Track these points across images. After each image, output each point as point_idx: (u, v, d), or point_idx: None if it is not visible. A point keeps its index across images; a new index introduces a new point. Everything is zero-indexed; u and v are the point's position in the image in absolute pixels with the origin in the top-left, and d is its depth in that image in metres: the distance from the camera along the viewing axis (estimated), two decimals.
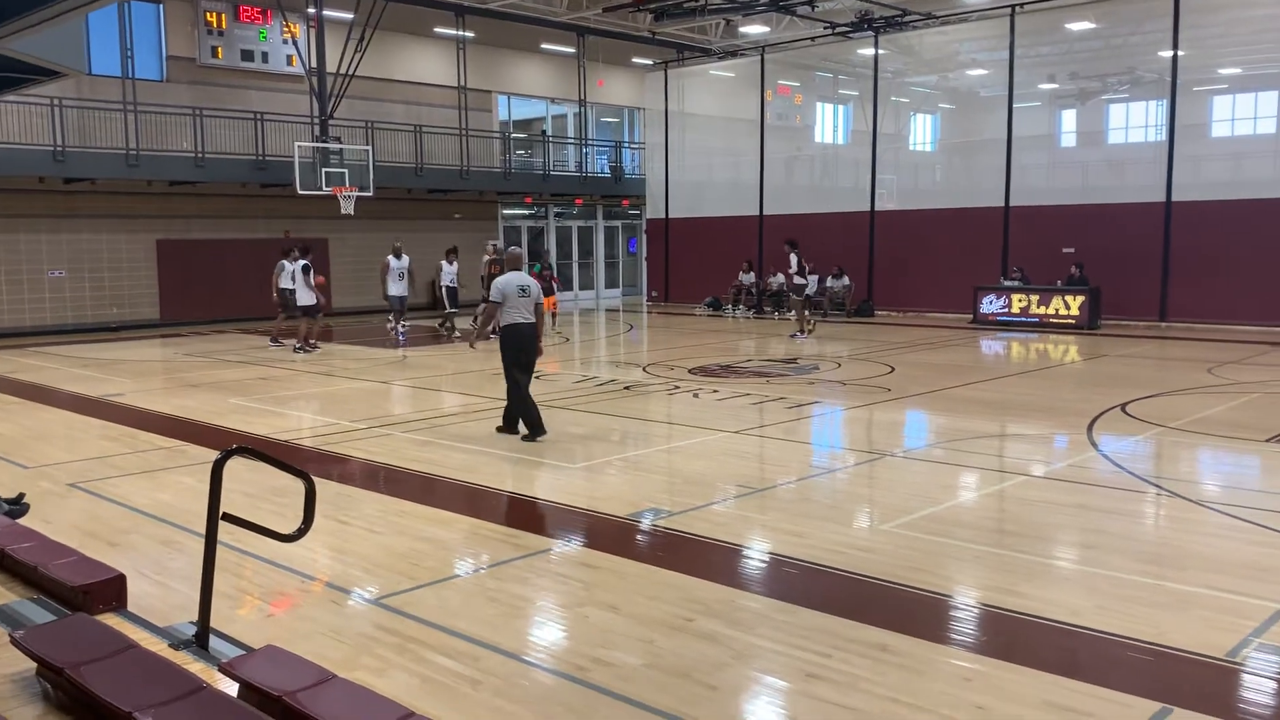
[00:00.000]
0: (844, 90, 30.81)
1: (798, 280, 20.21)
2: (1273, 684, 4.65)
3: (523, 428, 10.27)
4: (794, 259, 19.85)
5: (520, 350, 10.14)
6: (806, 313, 21.13)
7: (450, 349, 19.03)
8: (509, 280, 10.12)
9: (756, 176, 28.30)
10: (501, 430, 10.44)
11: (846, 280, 25.45)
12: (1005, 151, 23.65)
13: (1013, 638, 5.22)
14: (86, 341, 21.00)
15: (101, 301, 23.55)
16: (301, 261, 18.23)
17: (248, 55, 25.38)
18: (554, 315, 20.38)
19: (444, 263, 20.80)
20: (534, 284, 10.26)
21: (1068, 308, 21.46)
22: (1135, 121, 26.44)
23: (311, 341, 18.49)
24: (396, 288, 20.24)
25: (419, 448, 10.04)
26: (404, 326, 20.71)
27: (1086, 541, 6.82)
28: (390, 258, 20.19)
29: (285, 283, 18.86)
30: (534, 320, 10.19)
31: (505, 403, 10.45)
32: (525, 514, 7.91)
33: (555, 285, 23.58)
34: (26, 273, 22.53)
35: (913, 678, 4.66)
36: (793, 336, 20.35)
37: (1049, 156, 26.09)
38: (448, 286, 20.83)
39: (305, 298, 18.22)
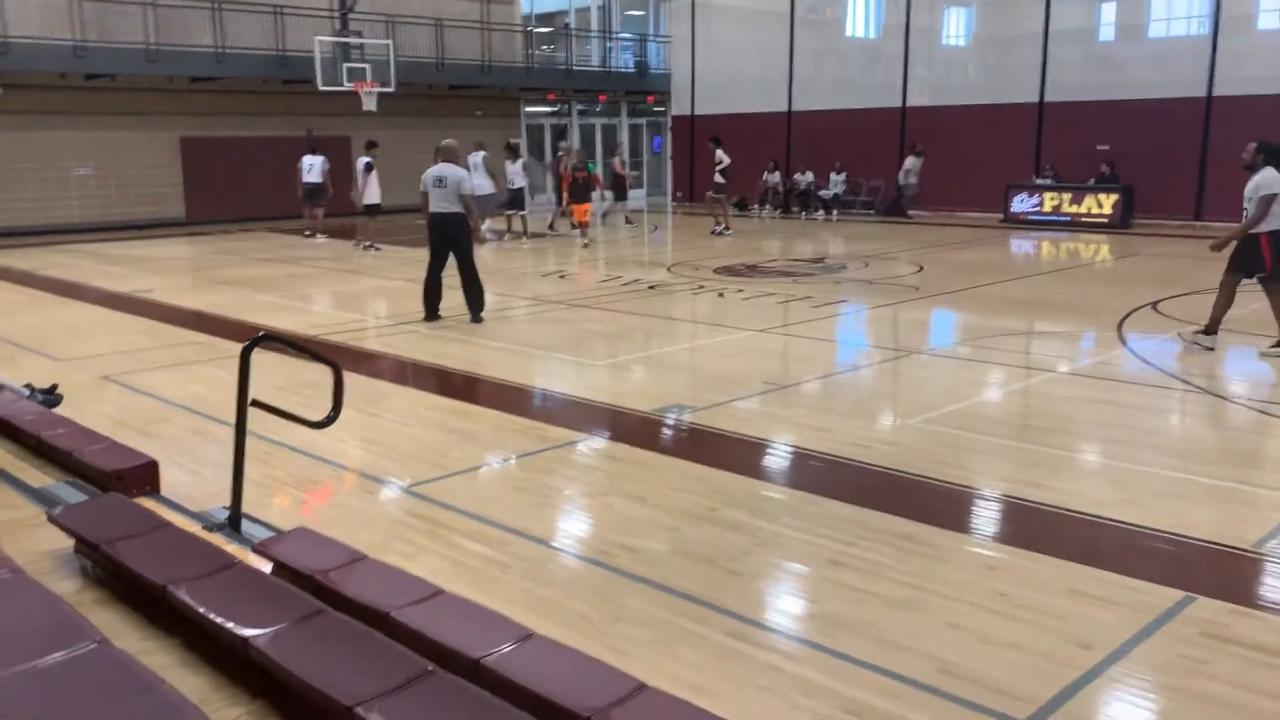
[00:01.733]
0: None
1: (718, 179, 20.72)
2: None
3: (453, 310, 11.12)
4: (719, 154, 20.57)
5: (434, 235, 10.91)
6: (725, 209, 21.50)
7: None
8: (428, 172, 10.87)
9: (785, 71, 27.65)
10: (426, 319, 11.08)
11: (810, 175, 25.58)
12: (1041, 46, 22.95)
13: (1036, 528, 5.24)
14: (114, 239, 21.07)
15: (127, 199, 23.54)
16: (365, 159, 18.35)
17: None
18: (580, 225, 18.93)
19: (508, 162, 20.05)
20: (450, 175, 10.72)
21: (1100, 206, 21.08)
22: (1177, 13, 25.50)
23: (370, 242, 18.31)
24: (481, 185, 20.09)
25: (446, 344, 10.08)
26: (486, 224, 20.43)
27: (1113, 436, 6.79)
28: (469, 155, 20.16)
29: (308, 177, 19.75)
30: (452, 209, 10.73)
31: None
32: (551, 408, 7.96)
33: (598, 186, 22.79)
34: (53, 171, 22.50)
35: (936, 565, 4.70)
36: (713, 231, 20.65)
37: (1086, 51, 25.28)
38: (517, 188, 20.06)
39: (371, 195, 18.35)
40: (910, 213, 23.96)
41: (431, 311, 11.12)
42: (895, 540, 4.99)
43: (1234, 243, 9.14)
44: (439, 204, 10.77)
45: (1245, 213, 8.95)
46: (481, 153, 19.83)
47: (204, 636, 3.35)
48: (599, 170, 26.47)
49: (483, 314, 11.13)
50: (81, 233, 22.12)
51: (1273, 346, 9.04)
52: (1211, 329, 9.26)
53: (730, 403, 7.69)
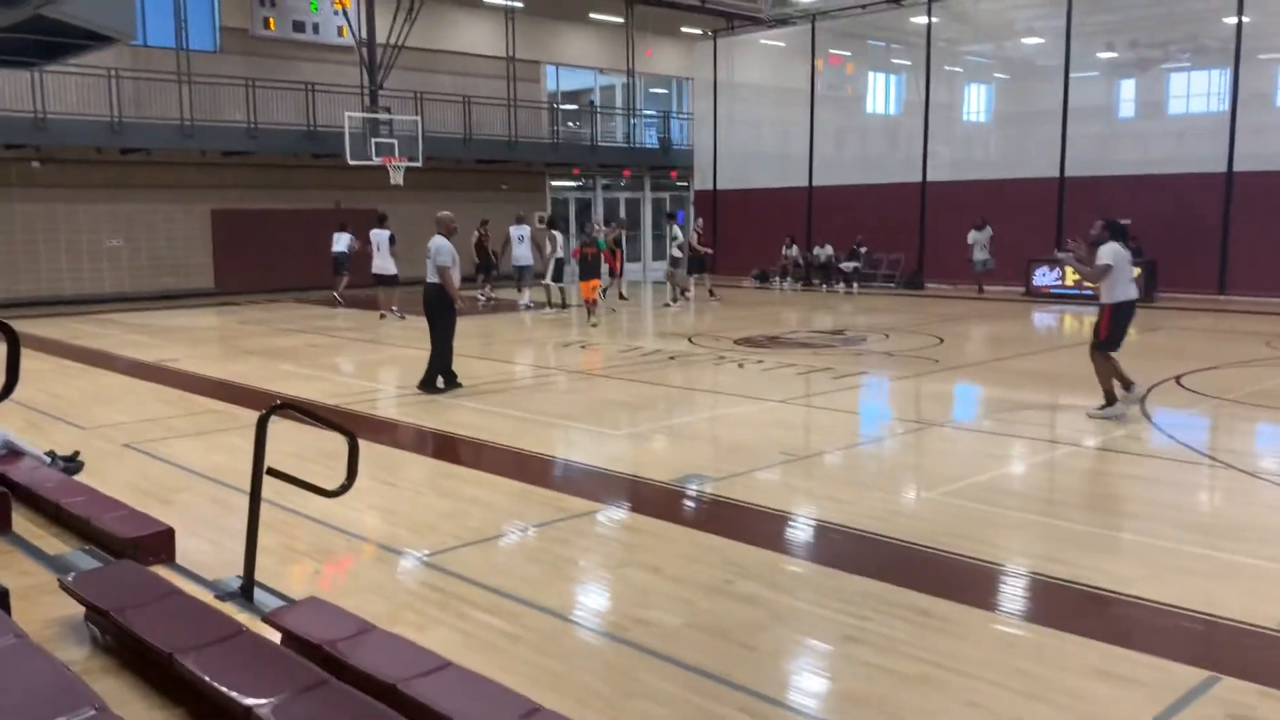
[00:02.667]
0: (896, 60, 30.29)
1: (674, 252, 21.35)
2: None
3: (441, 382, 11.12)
4: (675, 230, 21.38)
5: (425, 307, 11.07)
6: (688, 283, 22.02)
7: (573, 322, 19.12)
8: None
9: (806, 147, 27.99)
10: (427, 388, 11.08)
11: (830, 249, 25.60)
12: (1061, 122, 23.14)
13: (1058, 605, 5.15)
14: (143, 309, 21.39)
15: (158, 270, 23.96)
16: (388, 232, 19.12)
17: (299, 26, 25.59)
18: (588, 303, 18.08)
19: (555, 232, 20.66)
20: (433, 246, 10.85)
21: None
22: (1197, 90, 25.69)
23: (395, 309, 18.86)
24: (519, 255, 20.54)
25: (466, 414, 10.11)
26: (526, 296, 20.73)
27: (1137, 511, 6.70)
28: (511, 226, 20.81)
29: (338, 247, 20.74)
30: (431, 280, 10.88)
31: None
32: (569, 478, 7.94)
33: (608, 263, 21.92)
34: (86, 242, 22.96)
35: (954, 642, 4.62)
36: (665, 304, 21.23)
37: (1106, 127, 25.48)
38: (559, 258, 20.69)
39: (389, 266, 18.99)
40: (984, 288, 23.35)
41: (448, 379, 11.13)
42: (913, 615, 4.90)
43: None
44: (429, 275, 10.91)
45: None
46: (526, 226, 20.34)
47: (208, 705, 3.32)
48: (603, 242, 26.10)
49: (438, 388, 10.99)
50: (112, 302, 22.48)
51: (1099, 409, 9.36)
52: (1111, 399, 9.38)
53: (749, 473, 7.65)
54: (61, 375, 12.85)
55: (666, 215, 21.88)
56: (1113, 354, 9.33)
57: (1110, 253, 9.17)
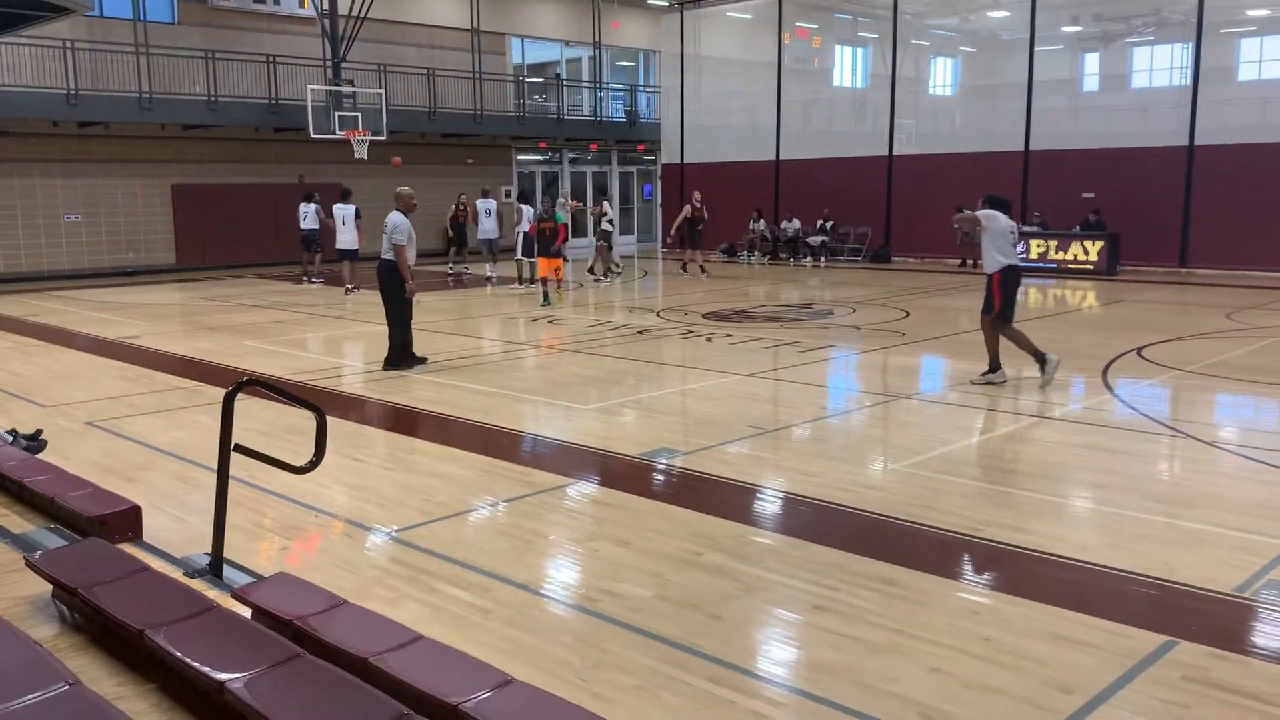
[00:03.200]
0: (863, 33, 30.32)
1: (605, 226, 21.35)
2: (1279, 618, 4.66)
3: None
4: (605, 206, 21.55)
5: (379, 283, 10.92)
6: (611, 258, 22.08)
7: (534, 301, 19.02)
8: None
9: (773, 121, 27.98)
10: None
11: (797, 223, 25.80)
12: (1026, 96, 23.28)
13: (1020, 573, 5.24)
14: (103, 286, 21.10)
15: (117, 246, 23.59)
16: (353, 207, 19.06)
17: None
18: (542, 280, 17.05)
19: (524, 205, 20.25)
20: (389, 222, 10.68)
21: (1086, 253, 21.27)
22: (1160, 64, 25.95)
23: (351, 284, 18.95)
24: (486, 229, 20.45)
25: (435, 389, 10.08)
26: (491, 269, 20.62)
27: (1098, 481, 6.81)
28: (478, 200, 20.73)
29: (305, 224, 20.52)
30: (385, 256, 10.74)
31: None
32: (538, 453, 7.95)
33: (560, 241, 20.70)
34: (43, 217, 22.56)
35: (919, 610, 4.69)
36: (595, 280, 21.07)
37: (1071, 100, 25.67)
38: (527, 232, 19.98)
39: (352, 241, 18.98)
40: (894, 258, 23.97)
41: (407, 357, 11.06)
42: (879, 585, 4.98)
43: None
44: (384, 250, 10.81)
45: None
46: (492, 200, 20.18)
47: (180, 681, 3.32)
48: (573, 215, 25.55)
49: (394, 368, 10.88)
50: (72, 279, 22.14)
51: (983, 375, 9.91)
52: (995, 365, 9.93)
53: (717, 447, 7.70)
54: (21, 354, 12.67)
55: (598, 190, 21.83)
56: (1016, 327, 9.92)
57: (987, 214, 9.79)
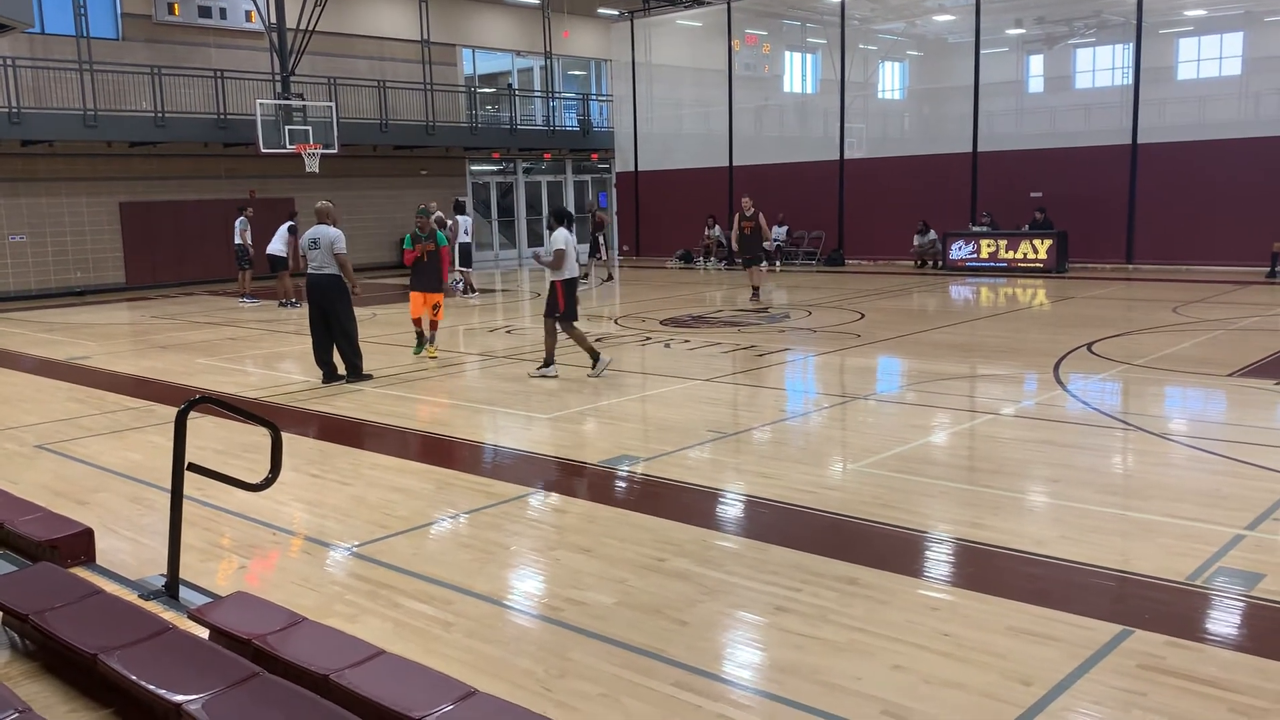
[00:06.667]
0: (812, 39, 30.58)
1: (464, 238, 20.84)
2: (1230, 605, 4.75)
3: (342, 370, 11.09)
4: (461, 220, 20.96)
5: (310, 297, 10.93)
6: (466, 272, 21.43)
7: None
8: (304, 235, 11.03)
9: (725, 128, 28.13)
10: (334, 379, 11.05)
11: (717, 231, 25.97)
12: (973, 98, 23.61)
13: (979, 568, 5.30)
14: (51, 307, 20.72)
15: (65, 266, 23.19)
16: (289, 223, 18.96)
17: (205, 11, 24.85)
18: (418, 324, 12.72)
19: (461, 216, 20.15)
20: (323, 236, 10.66)
21: (1035, 252, 21.58)
22: (1102, 65, 26.41)
23: (291, 299, 18.93)
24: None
25: (392, 402, 10.01)
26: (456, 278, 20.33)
27: (1052, 475, 6.91)
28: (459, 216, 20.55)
29: (237, 239, 20.22)
30: (326, 270, 10.73)
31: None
32: (497, 463, 7.92)
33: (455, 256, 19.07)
34: None
35: (880, 608, 4.73)
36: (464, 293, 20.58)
37: (1016, 102, 26.05)
38: (462, 242, 20.05)
39: (282, 249, 18.88)
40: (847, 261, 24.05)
41: (329, 372, 11.02)
42: (840, 584, 5.01)
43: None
44: (314, 266, 10.74)
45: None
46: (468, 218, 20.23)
47: (136, 705, 3.27)
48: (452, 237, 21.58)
49: (360, 379, 10.96)
50: (17, 300, 21.73)
51: (539, 369, 10.95)
52: (550, 360, 10.97)
53: (678, 452, 7.71)
54: None
55: (456, 202, 21.34)
56: (576, 325, 10.94)
57: (562, 238, 10.69)
